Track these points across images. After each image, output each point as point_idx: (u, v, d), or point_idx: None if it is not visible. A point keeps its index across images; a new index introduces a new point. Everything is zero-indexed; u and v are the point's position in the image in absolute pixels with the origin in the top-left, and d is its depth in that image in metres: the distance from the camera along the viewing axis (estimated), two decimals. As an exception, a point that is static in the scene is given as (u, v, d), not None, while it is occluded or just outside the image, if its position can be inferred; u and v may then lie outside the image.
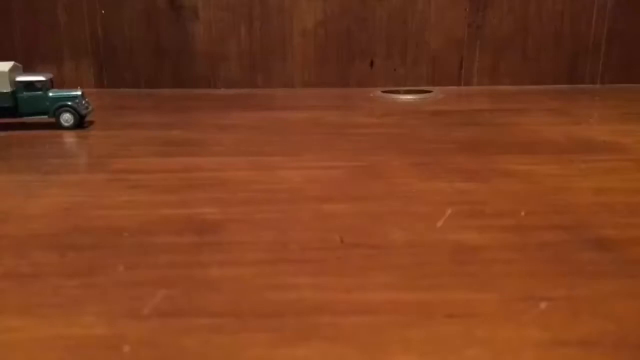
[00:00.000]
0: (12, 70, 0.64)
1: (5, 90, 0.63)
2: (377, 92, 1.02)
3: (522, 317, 0.23)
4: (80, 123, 0.65)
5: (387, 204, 0.37)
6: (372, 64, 1.09)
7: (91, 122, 0.68)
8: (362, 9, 1.07)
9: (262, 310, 0.24)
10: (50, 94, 0.65)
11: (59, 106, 0.64)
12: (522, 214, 0.35)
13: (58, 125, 0.64)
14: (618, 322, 0.23)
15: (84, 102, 0.66)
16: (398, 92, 1.02)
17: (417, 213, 0.35)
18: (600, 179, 0.43)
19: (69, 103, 0.64)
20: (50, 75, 0.67)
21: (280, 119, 0.72)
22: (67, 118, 0.64)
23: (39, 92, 0.64)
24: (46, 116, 0.64)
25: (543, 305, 0.24)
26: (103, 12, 1.06)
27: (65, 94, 0.65)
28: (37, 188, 0.42)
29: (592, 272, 0.27)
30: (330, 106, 0.84)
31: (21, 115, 0.65)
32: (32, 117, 0.65)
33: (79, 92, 0.66)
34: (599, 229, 0.33)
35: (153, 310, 0.24)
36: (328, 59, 1.09)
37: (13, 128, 0.65)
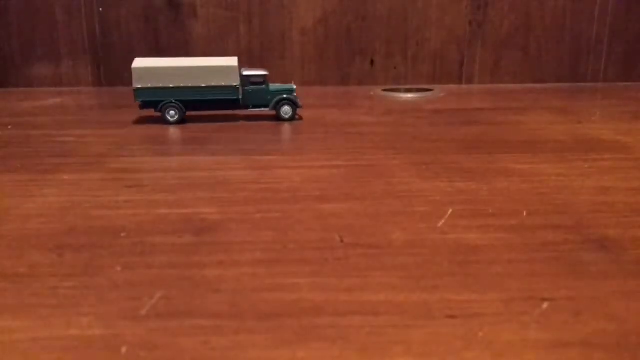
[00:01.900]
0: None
1: (234, 84, 0.68)
2: (378, 90, 1.02)
3: (524, 317, 0.23)
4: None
5: (388, 203, 0.37)
6: (372, 62, 1.09)
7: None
8: (362, 6, 1.06)
9: (261, 311, 0.23)
10: (271, 88, 0.70)
11: (280, 99, 0.69)
12: (524, 213, 0.35)
13: (278, 117, 0.70)
14: (620, 322, 0.23)
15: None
16: (398, 90, 1.01)
17: (418, 213, 0.35)
18: (602, 178, 0.43)
19: (289, 96, 0.70)
20: (267, 71, 0.72)
21: (280, 118, 0.72)
22: (286, 110, 0.70)
23: (262, 86, 0.70)
24: (267, 108, 0.70)
25: (544, 305, 0.24)
26: (101, 10, 1.05)
27: (284, 87, 0.71)
28: (34, 188, 0.41)
29: (594, 272, 0.27)
30: (330, 105, 0.84)
31: (245, 107, 0.70)
32: (255, 109, 0.70)
33: (294, 86, 0.72)
34: (601, 228, 0.32)
35: (151, 311, 0.24)
36: (328, 57, 1.09)
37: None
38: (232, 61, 0.69)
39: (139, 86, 0.66)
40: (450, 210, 0.35)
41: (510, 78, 1.11)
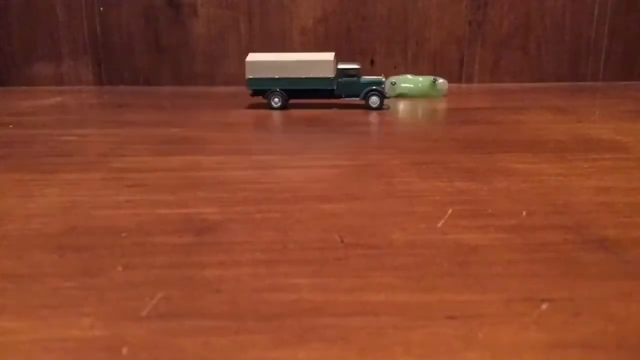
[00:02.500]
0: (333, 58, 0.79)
1: (330, 76, 0.77)
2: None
3: (523, 318, 0.23)
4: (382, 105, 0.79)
5: (388, 203, 0.37)
6: (372, 62, 1.09)
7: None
8: (362, 6, 1.06)
9: (262, 312, 0.24)
10: (362, 80, 0.78)
11: (369, 90, 0.78)
12: (523, 213, 0.35)
13: (366, 106, 0.79)
14: (619, 323, 0.23)
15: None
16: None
17: (418, 213, 0.35)
18: (602, 178, 0.43)
19: (378, 87, 0.78)
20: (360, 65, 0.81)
21: (280, 117, 0.72)
22: (374, 100, 0.78)
23: (354, 78, 0.78)
24: (357, 98, 0.79)
25: (544, 306, 0.24)
26: (102, 9, 1.05)
27: (373, 79, 0.79)
28: (35, 187, 0.41)
29: (594, 272, 0.27)
30: (330, 104, 0.84)
31: (339, 97, 0.79)
32: (346, 99, 0.79)
33: (383, 79, 0.80)
34: (601, 229, 0.32)
35: (152, 311, 0.24)
36: (328, 56, 1.08)
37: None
38: (329, 56, 0.78)
39: (251, 76, 0.78)
40: (450, 210, 0.36)
41: (510, 77, 1.11)
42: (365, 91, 0.78)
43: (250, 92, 0.80)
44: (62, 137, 0.60)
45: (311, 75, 0.77)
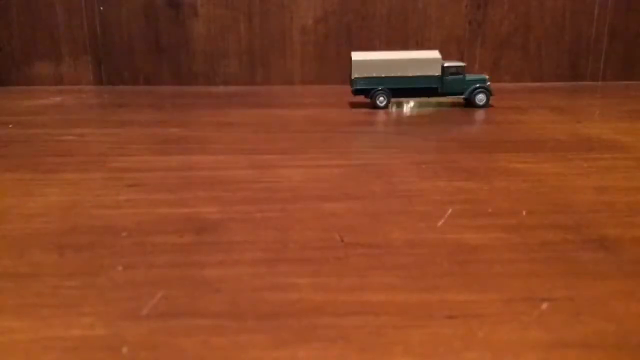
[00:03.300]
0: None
1: (437, 74, 0.77)
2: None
3: (523, 317, 0.23)
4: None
5: (388, 203, 0.37)
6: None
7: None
8: (362, 6, 1.06)
9: (262, 311, 0.24)
10: (467, 78, 0.79)
11: (475, 88, 0.78)
12: (523, 213, 0.35)
13: (472, 104, 0.79)
14: (619, 322, 0.23)
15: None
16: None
17: (418, 212, 0.35)
18: (601, 178, 0.43)
19: (483, 85, 0.78)
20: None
21: (280, 117, 0.72)
22: (480, 98, 0.78)
23: (460, 76, 0.78)
24: (462, 96, 0.79)
25: (544, 306, 0.24)
26: (102, 9, 1.05)
27: (479, 77, 0.80)
28: (35, 187, 0.41)
29: (594, 272, 0.27)
30: (330, 103, 0.84)
31: (444, 95, 0.79)
32: (451, 96, 0.79)
33: (487, 77, 0.80)
34: (601, 228, 0.32)
35: (152, 310, 0.24)
36: (328, 56, 1.08)
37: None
38: (435, 54, 0.78)
39: (357, 76, 0.77)
40: (450, 210, 0.36)
41: (510, 77, 1.11)
42: (471, 89, 0.78)
43: (353, 90, 0.79)
44: (62, 137, 0.60)
45: (418, 74, 0.77)
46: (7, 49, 1.05)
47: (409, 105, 0.82)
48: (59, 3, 1.05)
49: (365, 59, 0.77)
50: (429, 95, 0.79)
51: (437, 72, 0.77)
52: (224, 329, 0.22)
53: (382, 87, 0.77)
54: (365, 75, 0.77)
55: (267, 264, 0.28)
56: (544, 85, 1.07)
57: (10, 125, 0.66)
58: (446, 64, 0.78)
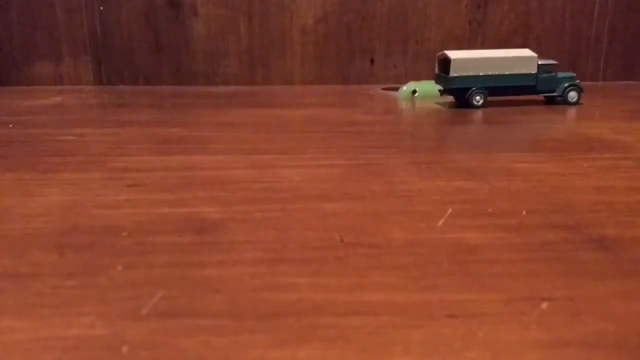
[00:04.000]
0: None
1: (534, 72, 0.77)
2: (377, 89, 1.02)
3: (523, 317, 0.23)
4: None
5: (388, 203, 0.37)
6: (372, 61, 1.09)
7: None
8: (362, 5, 1.06)
9: (262, 311, 0.24)
10: (559, 76, 0.79)
11: (567, 85, 0.79)
12: (523, 213, 0.35)
13: (564, 102, 0.80)
14: (619, 322, 0.23)
15: None
16: (398, 89, 1.01)
17: (418, 212, 0.35)
18: (601, 178, 0.43)
19: (574, 82, 0.79)
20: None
21: (280, 117, 0.72)
22: (572, 95, 0.79)
23: (552, 74, 0.79)
24: (555, 94, 0.80)
25: (544, 305, 0.24)
26: (102, 8, 1.05)
27: (568, 75, 0.80)
28: (35, 187, 0.41)
29: (594, 272, 0.27)
30: (330, 103, 0.84)
31: (538, 93, 0.79)
32: (544, 94, 0.80)
33: (574, 74, 0.81)
34: (601, 228, 0.32)
35: (152, 310, 0.24)
36: (328, 56, 1.09)
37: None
38: (530, 52, 0.78)
39: (455, 75, 0.76)
40: (450, 210, 0.36)
41: (510, 77, 1.10)
42: (563, 86, 0.79)
43: (445, 90, 0.78)
44: (62, 137, 0.60)
45: (515, 72, 0.77)
46: (7, 49, 1.05)
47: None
48: (59, 3, 1.05)
49: (464, 57, 0.76)
50: (525, 94, 0.79)
51: (534, 70, 0.77)
52: (224, 329, 0.22)
53: (480, 85, 0.76)
54: (464, 74, 0.76)
55: (267, 264, 0.28)
56: (544, 85, 1.06)
57: (10, 125, 0.66)
58: (541, 62, 0.78)
